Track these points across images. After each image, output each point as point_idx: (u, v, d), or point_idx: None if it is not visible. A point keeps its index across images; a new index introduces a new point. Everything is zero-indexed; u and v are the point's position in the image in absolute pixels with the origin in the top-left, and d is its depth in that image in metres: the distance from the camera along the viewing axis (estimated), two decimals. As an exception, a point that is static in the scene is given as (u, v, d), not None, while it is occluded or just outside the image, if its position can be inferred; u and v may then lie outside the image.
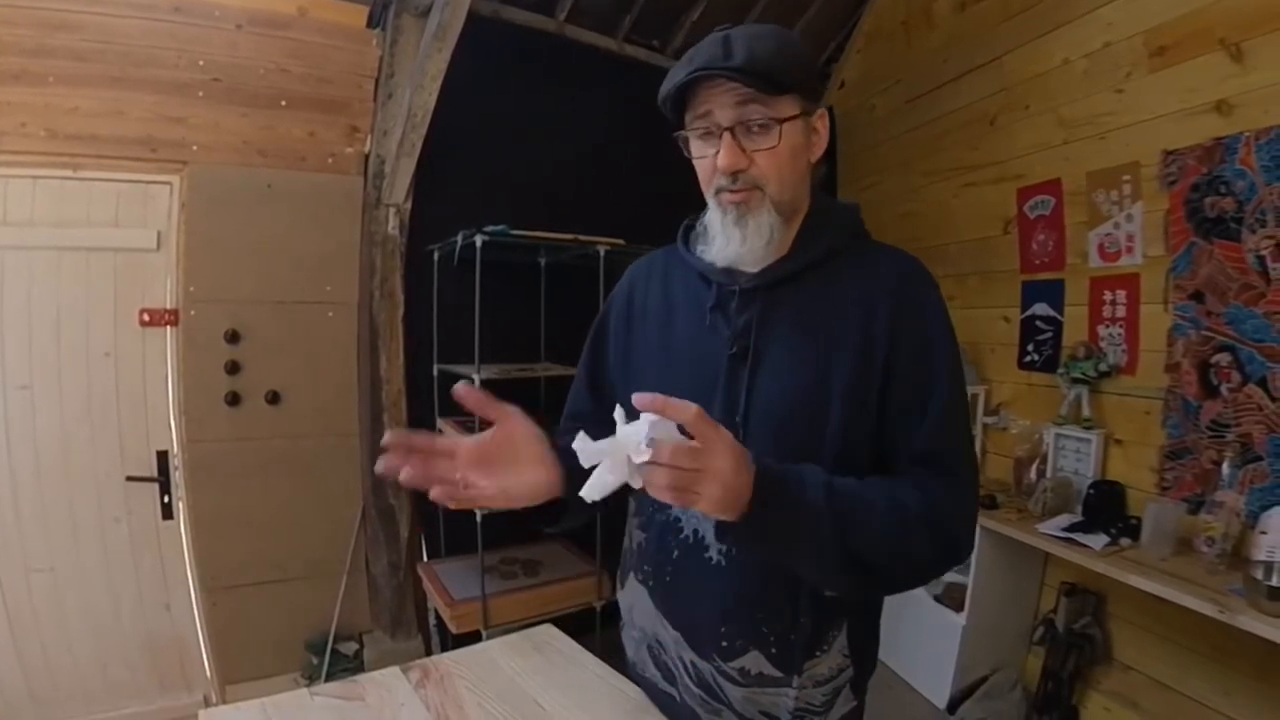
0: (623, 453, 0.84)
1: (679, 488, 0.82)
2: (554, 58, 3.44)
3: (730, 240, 1.05)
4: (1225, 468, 2.30)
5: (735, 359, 1.07)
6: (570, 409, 1.33)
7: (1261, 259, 2.25)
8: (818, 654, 1.10)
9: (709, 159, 1.03)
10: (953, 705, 2.88)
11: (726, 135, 0.99)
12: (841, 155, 4.23)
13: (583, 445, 0.86)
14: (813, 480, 0.93)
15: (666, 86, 1.03)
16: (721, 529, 0.91)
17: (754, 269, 1.09)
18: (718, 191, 1.05)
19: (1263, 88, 2.23)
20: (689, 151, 1.08)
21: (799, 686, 1.10)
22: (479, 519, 2.63)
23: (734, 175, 1.01)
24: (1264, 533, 2.12)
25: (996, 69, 3.19)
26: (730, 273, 1.10)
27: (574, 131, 3.43)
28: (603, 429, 1.25)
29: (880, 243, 1.15)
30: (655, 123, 1.12)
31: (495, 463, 0.96)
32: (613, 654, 1.35)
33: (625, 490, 0.87)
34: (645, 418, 0.83)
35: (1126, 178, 2.66)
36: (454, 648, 1.38)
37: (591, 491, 0.85)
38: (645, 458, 0.81)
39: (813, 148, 1.07)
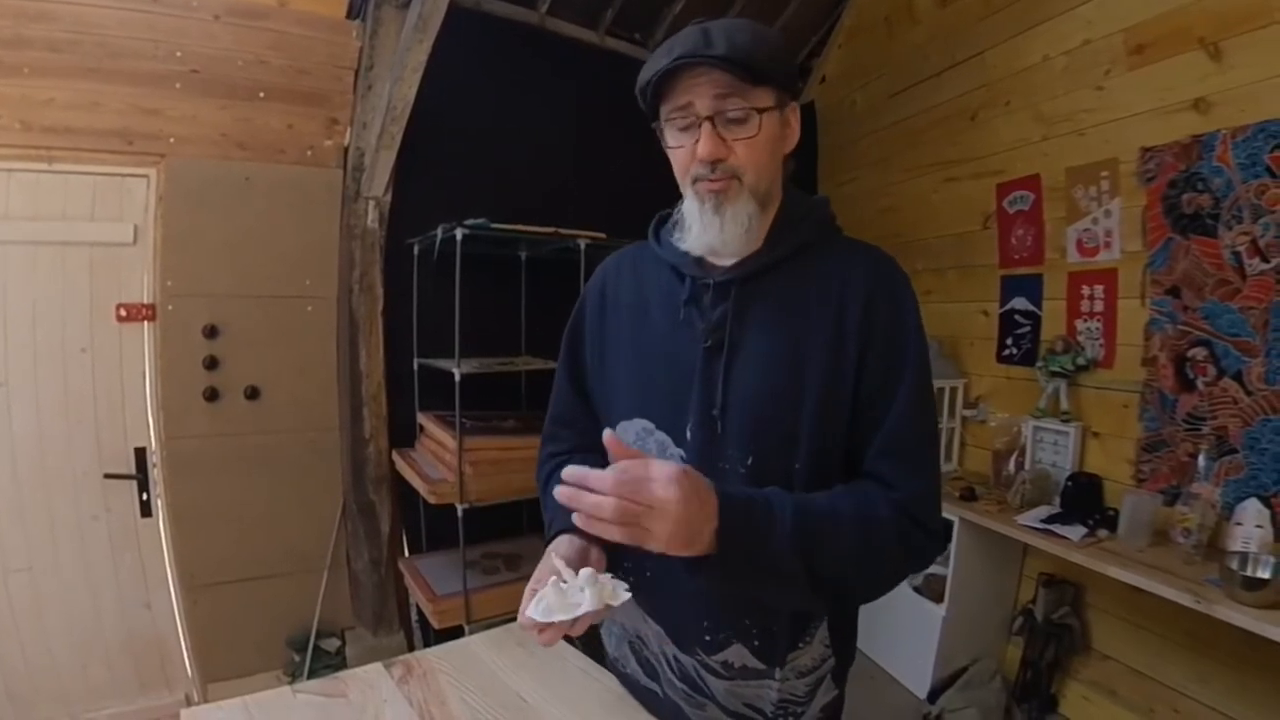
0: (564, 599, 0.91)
1: (624, 522, 0.84)
2: (535, 50, 3.42)
3: (708, 228, 1.05)
4: (1201, 460, 2.33)
5: (710, 352, 1.07)
6: (554, 412, 1.33)
7: (1237, 255, 2.28)
8: (800, 645, 1.11)
9: (687, 148, 1.04)
10: (933, 695, 2.91)
11: (706, 124, 1.00)
12: (822, 150, 4.25)
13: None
14: (780, 504, 0.93)
15: (646, 74, 1.03)
16: (692, 567, 0.91)
17: (728, 261, 1.09)
18: (695, 180, 1.05)
19: (1240, 86, 2.26)
20: (666, 142, 1.08)
21: (782, 678, 1.11)
22: (460, 514, 2.62)
23: (713, 164, 1.02)
24: (1239, 524, 2.16)
25: (978, 65, 3.21)
26: (703, 266, 1.11)
27: (555, 125, 3.42)
28: (588, 431, 1.26)
29: (851, 238, 1.15)
30: (636, 116, 1.12)
31: None
32: (595, 648, 1.35)
33: None
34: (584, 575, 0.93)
35: (1105, 174, 2.68)
36: (436, 643, 1.37)
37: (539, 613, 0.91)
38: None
39: (786, 140, 1.08)
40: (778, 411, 1.04)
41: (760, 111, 1.00)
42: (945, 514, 1.87)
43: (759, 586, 0.97)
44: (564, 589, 0.91)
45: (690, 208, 1.08)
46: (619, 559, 1.18)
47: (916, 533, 1.00)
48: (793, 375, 1.04)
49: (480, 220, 2.62)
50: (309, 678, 2.82)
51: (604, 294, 1.25)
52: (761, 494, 0.94)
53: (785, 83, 1.04)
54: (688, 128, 1.03)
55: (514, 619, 1.14)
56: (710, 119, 1.00)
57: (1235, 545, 2.13)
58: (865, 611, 1.20)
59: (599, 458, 1.23)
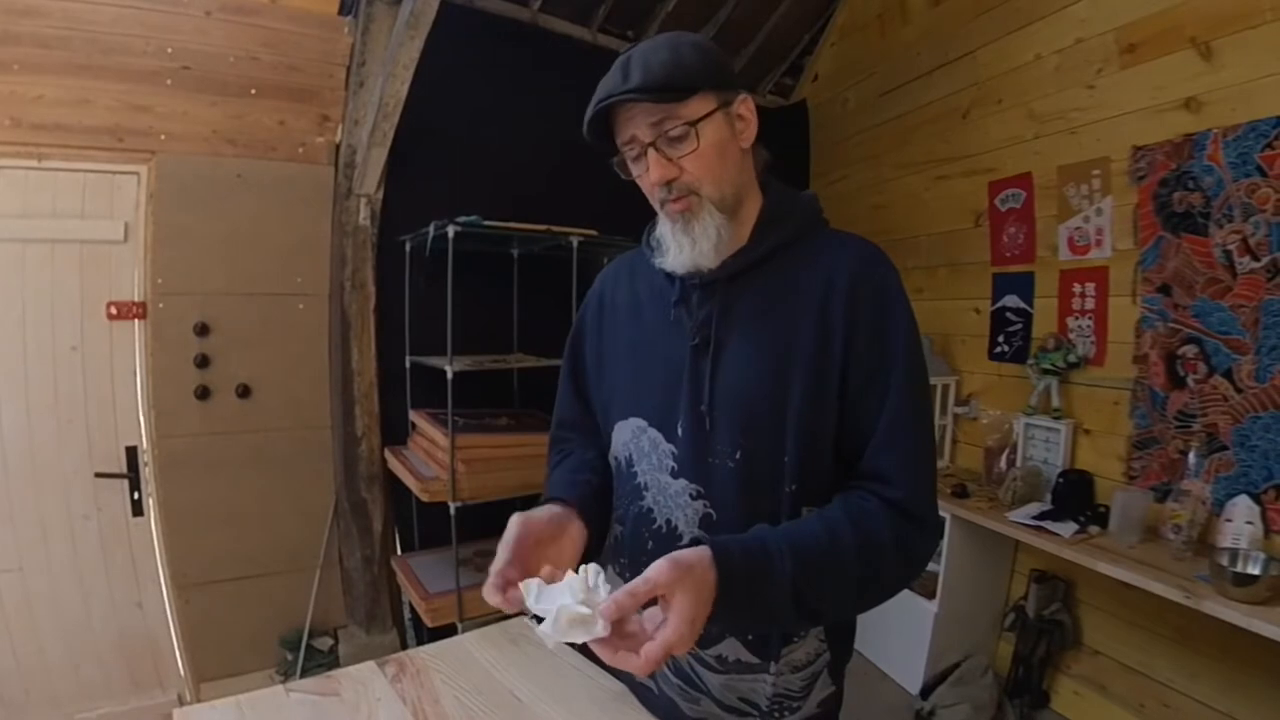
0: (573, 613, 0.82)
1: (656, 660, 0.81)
2: (528, 47, 3.41)
3: (681, 248, 1.08)
4: (1191, 457, 2.34)
5: (697, 350, 1.09)
6: (559, 416, 1.35)
7: (1228, 253, 2.29)
8: (795, 640, 1.11)
9: (644, 177, 1.08)
10: (925, 691, 2.92)
11: (650, 151, 1.03)
12: (814, 147, 4.24)
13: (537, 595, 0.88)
14: (778, 552, 0.91)
15: (584, 124, 1.07)
16: None
17: (713, 265, 1.10)
18: (662, 203, 1.09)
19: (1231, 86, 2.27)
20: (626, 174, 1.11)
21: (776, 672, 1.11)
22: (452, 512, 2.61)
23: (668, 185, 1.05)
24: (1229, 520, 2.17)
25: (969, 63, 3.22)
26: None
27: (547, 122, 3.38)
28: (592, 434, 1.27)
29: (839, 230, 1.16)
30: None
31: (538, 549, 1.01)
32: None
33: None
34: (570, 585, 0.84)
35: (1096, 172, 2.69)
36: (429, 641, 1.37)
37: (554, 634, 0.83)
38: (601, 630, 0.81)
39: (740, 136, 1.09)
40: (764, 405, 1.05)
41: (695, 124, 1.01)
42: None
43: (757, 627, 1.03)
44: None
45: (664, 230, 1.11)
46: (616, 553, 1.19)
47: (916, 537, 1.00)
48: (779, 369, 1.05)
49: (472, 217, 2.62)
50: (302, 676, 2.81)
51: (602, 300, 1.29)
52: (759, 541, 0.92)
53: (719, 83, 1.05)
54: (638, 158, 1.07)
55: (506, 616, 1.14)
56: (653, 144, 1.03)
57: (1225, 541, 2.14)
58: (859, 609, 1.20)
59: (601, 459, 1.24)
